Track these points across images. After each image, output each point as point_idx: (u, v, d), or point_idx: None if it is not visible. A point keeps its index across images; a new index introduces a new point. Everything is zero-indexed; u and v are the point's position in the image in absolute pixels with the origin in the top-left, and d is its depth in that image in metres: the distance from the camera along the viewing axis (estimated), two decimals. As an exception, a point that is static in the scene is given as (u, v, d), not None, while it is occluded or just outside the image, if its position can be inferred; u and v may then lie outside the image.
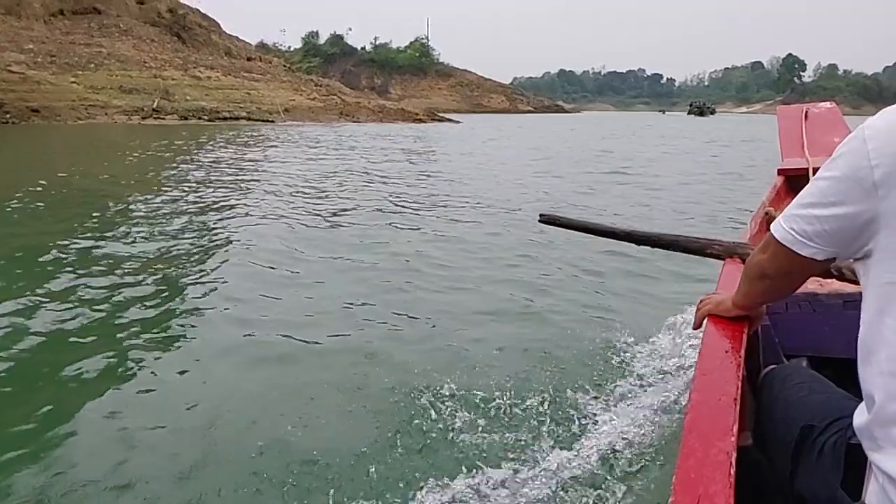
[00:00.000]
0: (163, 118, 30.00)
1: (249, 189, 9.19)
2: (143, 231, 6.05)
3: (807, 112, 3.77)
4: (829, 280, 1.63)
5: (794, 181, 3.17)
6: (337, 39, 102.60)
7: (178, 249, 5.39)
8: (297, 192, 8.92)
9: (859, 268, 1.02)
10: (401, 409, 2.59)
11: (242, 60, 43.00)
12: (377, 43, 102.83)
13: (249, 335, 3.45)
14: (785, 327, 1.77)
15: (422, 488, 2.03)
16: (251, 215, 7.10)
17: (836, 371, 1.56)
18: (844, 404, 1.12)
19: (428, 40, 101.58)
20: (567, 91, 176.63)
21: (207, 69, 37.82)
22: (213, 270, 4.77)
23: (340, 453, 2.26)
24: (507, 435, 2.32)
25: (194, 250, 5.41)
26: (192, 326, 3.60)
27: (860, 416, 1.00)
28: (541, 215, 2.39)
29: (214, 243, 5.72)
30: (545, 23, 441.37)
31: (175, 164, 12.14)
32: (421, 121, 40.01)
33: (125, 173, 11.03)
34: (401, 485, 2.09)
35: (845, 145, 0.99)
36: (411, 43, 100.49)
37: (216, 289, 4.29)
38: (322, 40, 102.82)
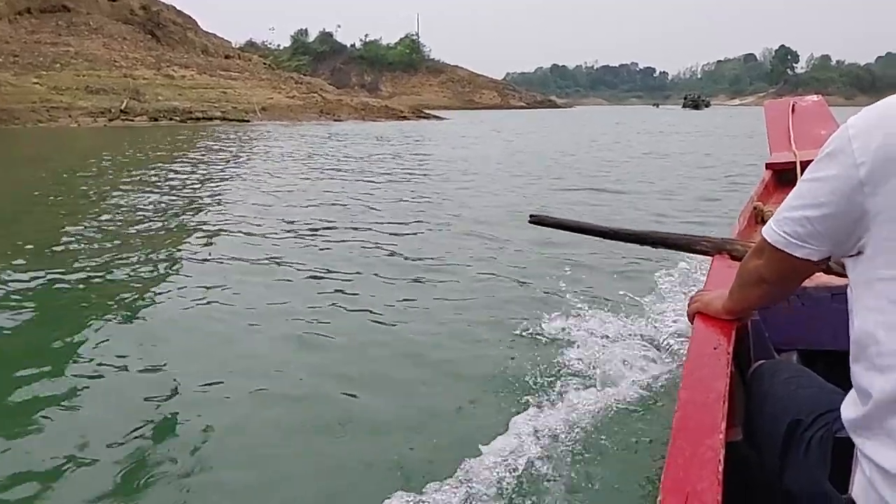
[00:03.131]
0: (131, 120, 28.46)
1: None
2: None
3: (794, 106, 3.74)
4: (816, 273, 1.47)
5: (781, 175, 3.18)
6: (326, 37, 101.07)
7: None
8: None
9: (849, 263, 1.03)
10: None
11: (220, 58, 41.37)
12: (367, 40, 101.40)
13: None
14: (774, 322, 1.73)
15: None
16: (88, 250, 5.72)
17: (826, 364, 1.55)
18: (832, 398, 1.12)
19: (418, 36, 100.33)
20: (560, 86, 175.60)
21: (182, 68, 36.21)
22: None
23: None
24: (491, 427, 2.25)
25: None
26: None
27: (848, 410, 1.00)
28: (531, 216, 2.44)
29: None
30: (536, 17, 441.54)
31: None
32: (405, 118, 38.59)
33: None
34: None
35: (830, 144, 1.00)
36: (401, 39, 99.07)
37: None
38: (312, 38, 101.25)
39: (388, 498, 1.89)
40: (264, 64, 46.35)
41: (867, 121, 0.96)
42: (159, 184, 9.55)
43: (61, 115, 26.98)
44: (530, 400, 2.46)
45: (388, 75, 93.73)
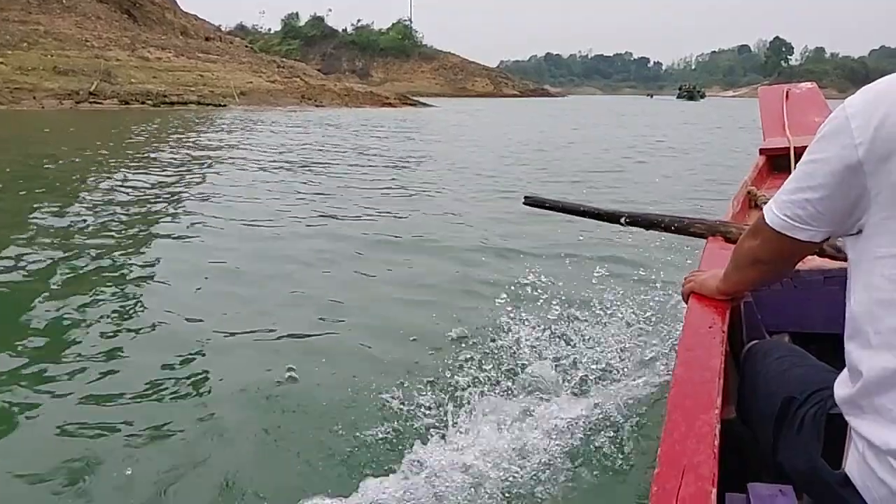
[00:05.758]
0: (100, 103, 27.00)
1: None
2: None
3: (788, 92, 3.77)
4: (809, 256, 1.50)
5: (775, 160, 3.23)
6: (317, 21, 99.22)
7: None
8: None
9: (848, 243, 1.03)
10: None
11: (199, 40, 39.70)
12: (359, 24, 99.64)
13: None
14: (767, 304, 1.75)
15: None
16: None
17: (817, 347, 1.54)
18: (824, 376, 1.13)
19: (411, 22, 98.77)
20: (554, 75, 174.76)
21: (158, 49, 34.60)
22: None
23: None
24: (489, 410, 2.19)
25: None
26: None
27: (841, 388, 1.01)
28: (525, 198, 2.41)
29: None
30: (531, 5, 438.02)
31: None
32: (390, 105, 37.32)
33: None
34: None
35: (828, 125, 0.99)
36: (393, 25, 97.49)
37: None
38: (302, 22, 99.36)
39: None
40: (246, 47, 44.75)
41: (865, 101, 0.95)
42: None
43: (25, 96, 25.51)
44: (524, 377, 2.44)
45: (379, 61, 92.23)
